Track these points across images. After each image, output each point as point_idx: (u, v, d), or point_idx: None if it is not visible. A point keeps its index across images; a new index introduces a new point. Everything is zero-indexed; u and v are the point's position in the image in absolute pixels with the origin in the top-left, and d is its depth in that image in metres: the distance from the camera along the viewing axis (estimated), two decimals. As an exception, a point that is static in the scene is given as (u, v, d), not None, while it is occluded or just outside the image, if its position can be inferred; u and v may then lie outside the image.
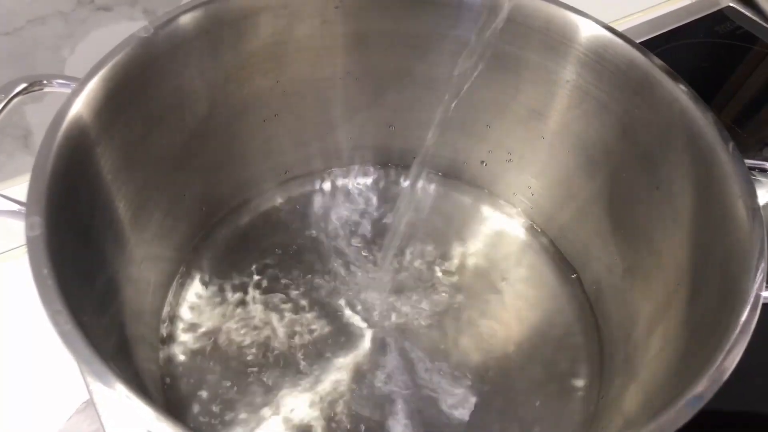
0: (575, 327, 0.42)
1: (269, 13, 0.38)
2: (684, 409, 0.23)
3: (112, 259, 0.33)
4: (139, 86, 0.34)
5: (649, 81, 0.35)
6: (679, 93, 0.34)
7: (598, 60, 0.37)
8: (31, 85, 0.33)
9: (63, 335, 0.23)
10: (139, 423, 0.22)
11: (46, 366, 0.40)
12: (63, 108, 0.30)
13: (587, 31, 0.37)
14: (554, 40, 0.38)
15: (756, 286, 0.27)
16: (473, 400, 0.38)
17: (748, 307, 0.26)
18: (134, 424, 0.34)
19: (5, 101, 0.32)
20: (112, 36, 0.34)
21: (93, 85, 0.31)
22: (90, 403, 0.38)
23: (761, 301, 0.26)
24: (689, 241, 0.33)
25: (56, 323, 0.24)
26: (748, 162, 0.31)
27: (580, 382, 0.39)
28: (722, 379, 0.24)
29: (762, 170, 0.32)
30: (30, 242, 0.26)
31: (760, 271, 0.27)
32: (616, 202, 0.39)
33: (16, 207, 0.30)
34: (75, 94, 0.30)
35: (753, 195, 0.30)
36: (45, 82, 0.33)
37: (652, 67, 0.35)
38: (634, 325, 0.37)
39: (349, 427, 0.37)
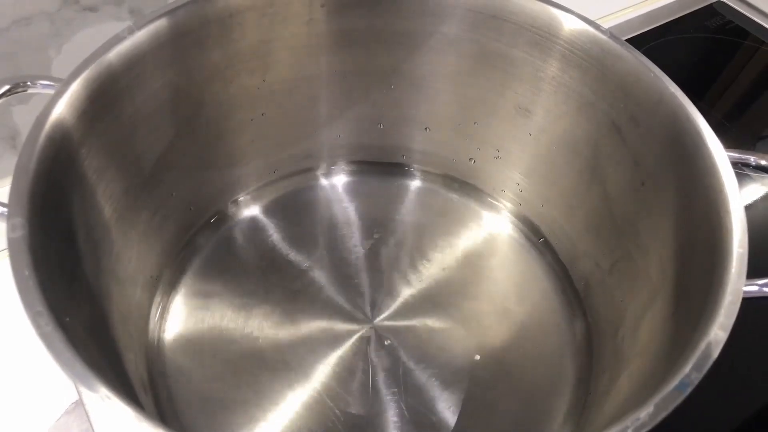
0: (564, 322, 0.42)
1: (255, 12, 0.38)
2: (665, 401, 0.23)
3: (98, 261, 0.33)
4: (124, 86, 0.34)
5: (633, 76, 0.35)
6: (664, 88, 0.34)
7: (583, 56, 0.37)
8: (15, 86, 0.33)
9: (43, 337, 0.23)
10: (122, 424, 0.22)
11: (35, 366, 0.40)
12: (45, 109, 0.30)
13: (571, 27, 0.37)
14: (539, 37, 0.38)
15: (737, 279, 0.27)
16: (462, 397, 0.38)
17: (730, 300, 0.26)
18: (122, 425, 0.34)
19: (-11, 102, 0.32)
20: (99, 36, 0.34)
21: (76, 86, 0.31)
22: (79, 404, 0.38)
23: (742, 295, 0.26)
24: (674, 236, 0.33)
25: (37, 325, 0.24)
26: (732, 156, 0.31)
27: (569, 377, 0.39)
28: (703, 369, 0.24)
29: (745, 164, 0.32)
30: (11, 243, 0.26)
31: (741, 264, 0.27)
32: (603, 197, 0.39)
33: (0, 209, 0.30)
34: (58, 95, 0.30)
35: (735, 189, 0.30)
36: (29, 83, 0.33)
37: (636, 62, 0.35)
38: (622, 319, 0.37)
39: (340, 427, 0.37)
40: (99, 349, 0.29)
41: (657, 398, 0.23)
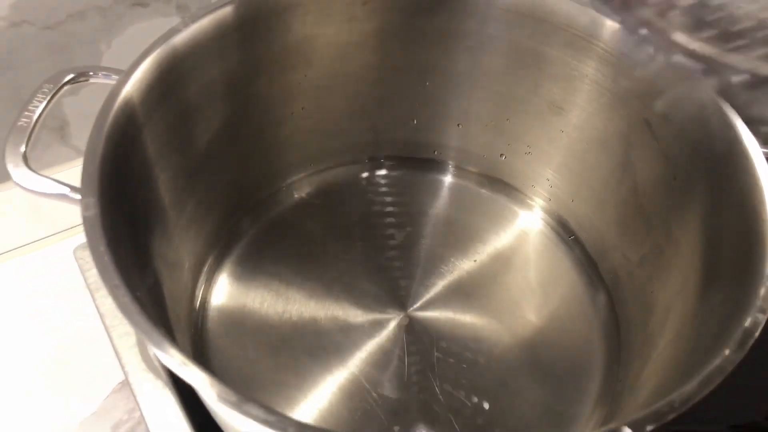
0: (593, 313, 0.43)
1: (300, 9, 0.39)
2: (708, 377, 0.24)
3: (152, 241, 0.35)
4: (178, 76, 0.35)
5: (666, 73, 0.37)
6: (697, 87, 0.35)
7: (618, 56, 0.38)
8: (77, 75, 0.35)
9: (122, 307, 0.25)
10: (196, 388, 0.24)
11: (83, 347, 0.41)
12: (113, 93, 0.31)
13: (609, 28, 0.38)
14: (575, 37, 0.39)
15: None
16: (495, 384, 0.39)
17: (764, 292, 0.27)
18: (170, 405, 0.35)
19: (54, 90, 0.34)
20: (148, 31, 0.35)
21: (140, 74, 0.32)
22: (125, 384, 0.39)
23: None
24: (706, 229, 0.34)
25: (115, 296, 0.25)
26: (766, 151, 0.32)
27: (598, 365, 0.40)
28: (745, 348, 0.25)
29: (778, 160, 0.33)
30: (86, 221, 0.27)
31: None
32: (634, 192, 0.40)
33: (66, 190, 0.31)
34: (123, 80, 0.32)
35: (770, 183, 0.31)
36: (91, 73, 0.35)
37: (670, 62, 0.36)
38: (652, 311, 0.38)
39: (378, 410, 0.38)
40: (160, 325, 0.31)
41: (689, 386, 0.24)
